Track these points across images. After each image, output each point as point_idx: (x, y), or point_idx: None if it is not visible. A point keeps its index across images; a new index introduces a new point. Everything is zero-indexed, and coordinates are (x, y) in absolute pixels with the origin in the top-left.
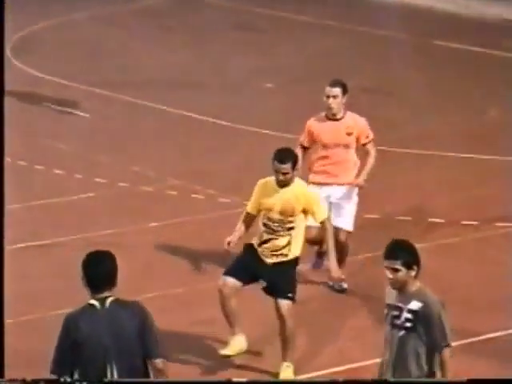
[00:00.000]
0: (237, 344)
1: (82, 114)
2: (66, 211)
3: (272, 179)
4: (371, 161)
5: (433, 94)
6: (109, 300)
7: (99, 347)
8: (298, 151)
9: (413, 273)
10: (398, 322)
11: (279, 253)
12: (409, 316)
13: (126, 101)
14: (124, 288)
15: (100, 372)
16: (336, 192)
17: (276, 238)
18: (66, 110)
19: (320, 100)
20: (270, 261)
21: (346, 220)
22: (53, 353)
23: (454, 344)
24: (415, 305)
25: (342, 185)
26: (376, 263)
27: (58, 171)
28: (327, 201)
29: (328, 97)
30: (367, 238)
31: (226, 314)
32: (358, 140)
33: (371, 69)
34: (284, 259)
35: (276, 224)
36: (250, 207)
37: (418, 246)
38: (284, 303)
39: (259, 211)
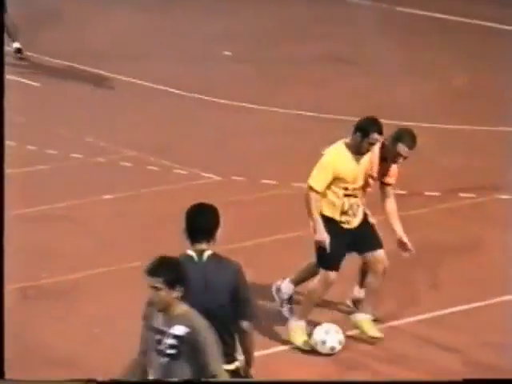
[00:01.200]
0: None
1: (33, 83)
2: (18, 184)
3: (341, 149)
4: None
5: (397, 63)
6: (207, 253)
7: (192, 299)
8: None
9: (175, 294)
10: (161, 347)
11: (359, 209)
12: (172, 342)
13: (79, 70)
14: (77, 261)
15: None
16: None
17: (355, 199)
18: (17, 79)
19: (274, 70)
20: (354, 224)
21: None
22: None
23: (423, 316)
24: (180, 329)
25: None
26: None
27: (9, 142)
28: None
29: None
30: None
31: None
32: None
33: (333, 36)
34: (362, 214)
35: (358, 189)
36: (321, 186)
37: (380, 218)
38: (383, 253)
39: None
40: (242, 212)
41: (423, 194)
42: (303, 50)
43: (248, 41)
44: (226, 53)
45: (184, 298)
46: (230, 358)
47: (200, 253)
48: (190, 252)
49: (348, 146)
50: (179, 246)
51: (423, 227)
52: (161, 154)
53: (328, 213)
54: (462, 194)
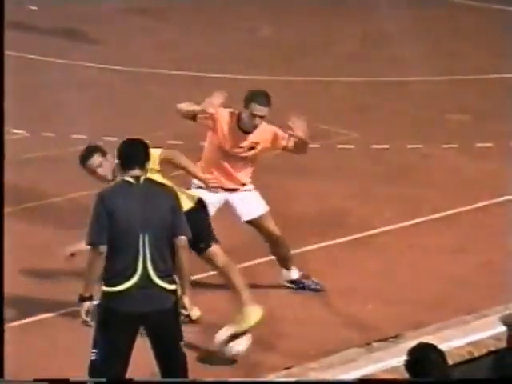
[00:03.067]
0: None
1: None
2: None
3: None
4: None
5: (200, 17)
6: (142, 178)
7: (134, 218)
8: None
9: None
10: None
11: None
12: None
13: None
14: None
15: (133, 242)
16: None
17: None
18: None
19: (79, 24)
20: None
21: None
22: (88, 226)
23: None
24: None
25: None
26: None
27: None
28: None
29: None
30: None
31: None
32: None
33: None
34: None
35: None
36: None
37: None
38: (216, 249)
39: None
40: (54, 167)
41: None
42: (108, 3)
43: None
44: (32, 7)
45: (125, 217)
46: (170, 278)
47: (136, 178)
48: (127, 178)
49: None
50: None
51: None
52: None
53: None
54: None
